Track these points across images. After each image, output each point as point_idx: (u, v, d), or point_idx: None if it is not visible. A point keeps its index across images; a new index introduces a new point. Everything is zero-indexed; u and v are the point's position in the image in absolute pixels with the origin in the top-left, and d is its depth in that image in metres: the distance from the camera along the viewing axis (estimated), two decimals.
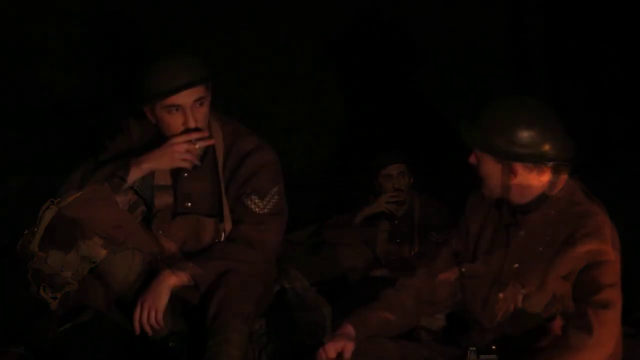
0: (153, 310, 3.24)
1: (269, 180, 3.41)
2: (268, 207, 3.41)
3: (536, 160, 2.79)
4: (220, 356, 3.08)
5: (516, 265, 2.90)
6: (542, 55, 4.85)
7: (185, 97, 3.26)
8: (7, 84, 4.64)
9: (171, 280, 3.29)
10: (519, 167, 2.81)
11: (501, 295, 2.91)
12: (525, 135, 2.77)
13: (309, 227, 4.21)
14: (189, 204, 3.46)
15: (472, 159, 2.89)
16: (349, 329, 2.96)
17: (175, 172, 3.47)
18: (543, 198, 2.86)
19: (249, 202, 3.40)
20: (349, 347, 2.90)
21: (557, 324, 2.80)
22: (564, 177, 2.87)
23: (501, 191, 2.86)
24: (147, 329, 3.26)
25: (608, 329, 2.72)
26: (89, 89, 4.72)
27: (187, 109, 3.28)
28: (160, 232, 3.47)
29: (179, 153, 3.31)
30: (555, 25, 4.78)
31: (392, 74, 4.98)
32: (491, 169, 2.84)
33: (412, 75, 4.97)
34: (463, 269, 3.03)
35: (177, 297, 3.43)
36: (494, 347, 2.93)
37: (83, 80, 4.72)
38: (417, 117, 4.93)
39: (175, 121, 3.30)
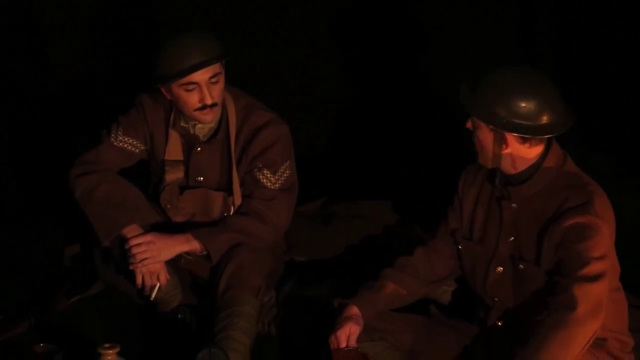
0: (154, 262, 3.30)
1: (282, 155, 3.44)
2: (279, 182, 3.45)
3: (532, 133, 2.74)
4: (231, 328, 3.11)
5: (512, 238, 2.86)
6: (551, 52, 4.86)
7: (201, 75, 3.31)
8: (19, 63, 4.64)
9: (183, 246, 3.36)
10: (511, 138, 2.76)
11: (499, 269, 2.89)
12: (524, 106, 2.73)
13: (319, 199, 4.23)
14: (201, 178, 3.49)
15: (469, 125, 2.84)
16: (355, 311, 2.96)
17: (187, 147, 3.51)
18: (534, 168, 2.81)
19: (260, 176, 3.44)
20: (356, 330, 2.91)
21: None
22: (555, 147, 2.83)
23: (492, 161, 2.81)
24: (147, 279, 3.31)
25: (594, 302, 2.64)
26: (99, 67, 4.74)
27: (203, 86, 3.33)
28: (169, 206, 3.51)
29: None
30: (565, 23, 4.78)
31: (402, 65, 5.00)
32: (485, 137, 2.79)
33: (420, 67, 4.97)
34: (460, 246, 3.01)
35: (187, 270, 3.48)
36: (499, 324, 2.93)
37: (93, 58, 4.73)
38: (424, 110, 4.95)
39: (192, 98, 3.35)
